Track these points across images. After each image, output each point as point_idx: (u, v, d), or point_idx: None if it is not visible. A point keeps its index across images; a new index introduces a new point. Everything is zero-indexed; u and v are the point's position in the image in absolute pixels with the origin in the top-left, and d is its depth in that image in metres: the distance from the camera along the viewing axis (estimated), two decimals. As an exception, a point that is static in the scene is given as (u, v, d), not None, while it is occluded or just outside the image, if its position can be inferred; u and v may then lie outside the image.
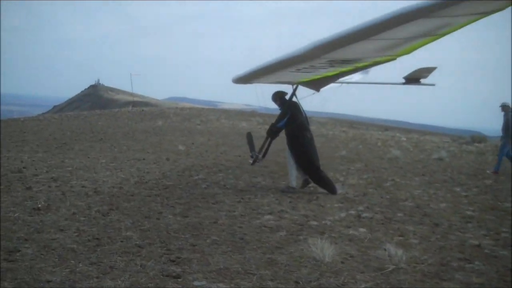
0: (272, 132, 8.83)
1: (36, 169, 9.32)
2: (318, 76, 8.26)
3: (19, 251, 4.54)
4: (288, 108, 8.79)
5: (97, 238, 5.09)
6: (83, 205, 6.55)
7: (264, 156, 9.03)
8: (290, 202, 7.67)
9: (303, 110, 8.98)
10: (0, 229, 5.17)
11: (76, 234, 5.22)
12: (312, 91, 8.97)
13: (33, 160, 10.53)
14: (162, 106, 52.93)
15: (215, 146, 15.89)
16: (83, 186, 7.90)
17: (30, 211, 6.05)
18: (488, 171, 12.85)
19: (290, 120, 8.66)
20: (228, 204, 7.19)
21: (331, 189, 8.58)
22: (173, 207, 6.76)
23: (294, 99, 9.04)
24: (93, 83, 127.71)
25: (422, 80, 9.07)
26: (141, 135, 17.62)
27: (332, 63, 6.67)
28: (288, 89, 9.16)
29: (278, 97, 8.98)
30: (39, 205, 6.25)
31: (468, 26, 5.31)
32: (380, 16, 4.75)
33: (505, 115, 12.90)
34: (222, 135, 19.50)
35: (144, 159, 11.74)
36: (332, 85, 9.79)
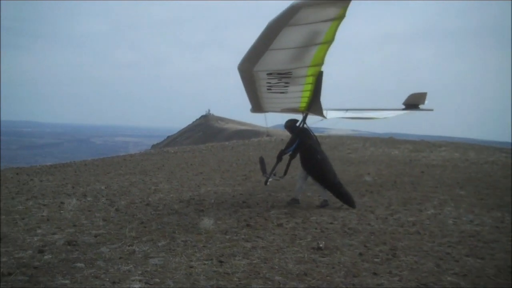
0: (281, 157, 9.93)
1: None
2: (304, 99, 9.11)
3: None
4: (297, 135, 9.84)
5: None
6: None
7: (285, 174, 10.06)
8: None
9: (314, 135, 10.06)
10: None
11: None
12: (319, 117, 10.01)
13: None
14: (260, 133, 53.42)
15: (405, 176, 15.33)
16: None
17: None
18: None
19: (300, 145, 9.70)
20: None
21: (351, 203, 9.58)
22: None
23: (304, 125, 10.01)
24: (203, 113, 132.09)
25: (421, 106, 9.82)
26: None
27: (276, 77, 7.73)
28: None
29: (288, 124, 10.13)
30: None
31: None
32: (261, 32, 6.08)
33: None
34: (390, 164, 18.83)
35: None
36: (339, 113, 11.65)
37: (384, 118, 12.40)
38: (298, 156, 10.01)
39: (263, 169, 10.19)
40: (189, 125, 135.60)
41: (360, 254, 6.41)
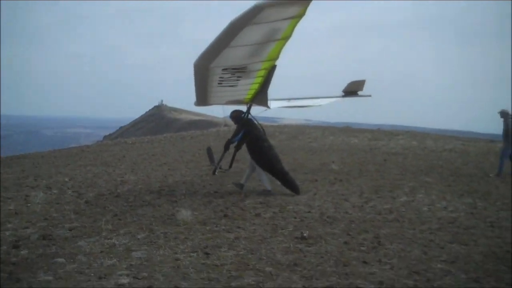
0: (228, 146, 10.12)
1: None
2: (251, 91, 9.51)
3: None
4: (242, 125, 10.08)
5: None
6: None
7: (230, 166, 10.41)
8: None
9: (259, 124, 10.29)
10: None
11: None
12: (264, 108, 10.29)
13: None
14: (218, 122, 53.20)
15: (368, 164, 15.55)
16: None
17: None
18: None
19: (245, 134, 9.90)
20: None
21: (296, 190, 9.82)
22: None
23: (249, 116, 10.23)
24: (156, 104, 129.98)
25: (360, 92, 10.24)
26: (286, 155, 17.41)
27: (230, 72, 7.99)
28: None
29: (234, 115, 10.37)
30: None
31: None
32: (222, 29, 6.35)
33: (504, 122, 13.42)
34: (352, 152, 19.07)
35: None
36: (282, 103, 12.13)
37: (319, 105, 13.04)
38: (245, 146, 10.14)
39: (211, 159, 10.59)
40: (141, 115, 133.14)
41: (345, 242, 6.42)
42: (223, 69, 7.82)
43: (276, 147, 20.80)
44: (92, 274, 5.09)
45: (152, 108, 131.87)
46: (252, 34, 6.67)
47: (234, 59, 7.49)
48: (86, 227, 7.08)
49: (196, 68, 7.56)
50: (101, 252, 5.87)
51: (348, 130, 31.14)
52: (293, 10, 6.28)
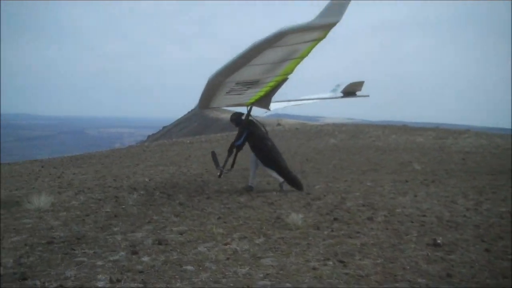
0: (232, 150, 10.15)
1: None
2: (256, 97, 9.63)
3: None
4: (244, 127, 10.07)
5: None
6: None
7: (232, 167, 10.41)
8: None
9: (261, 124, 10.38)
10: None
11: None
12: (264, 110, 10.40)
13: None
14: (267, 122, 52.91)
15: (449, 163, 14.76)
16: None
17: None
18: None
19: (248, 136, 9.97)
20: None
21: (300, 187, 9.87)
22: None
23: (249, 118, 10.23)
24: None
25: (358, 93, 10.28)
26: (358, 155, 16.85)
27: (242, 84, 8.15)
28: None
29: (234, 117, 10.39)
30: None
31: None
32: (244, 50, 6.41)
33: None
34: (423, 152, 18.25)
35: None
36: (281, 104, 12.06)
37: (314, 102, 12.91)
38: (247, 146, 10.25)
39: (216, 163, 10.45)
40: (184, 115, 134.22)
41: (487, 250, 5.81)
42: (236, 83, 7.98)
43: (339, 146, 20.56)
44: (232, 284, 4.67)
45: (194, 108, 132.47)
46: (272, 55, 6.89)
47: (249, 75, 7.72)
48: (196, 231, 6.70)
49: (210, 82, 7.60)
50: (227, 259, 5.45)
51: (407, 128, 30.18)
52: (315, 35, 6.53)
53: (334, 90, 13.47)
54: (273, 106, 10.86)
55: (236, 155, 10.43)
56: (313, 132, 27.95)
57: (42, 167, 15.49)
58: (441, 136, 24.70)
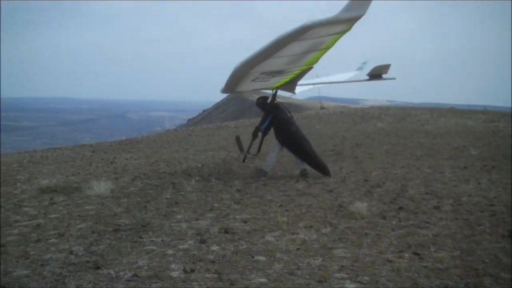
0: (256, 134, 10.17)
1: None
2: (281, 82, 9.81)
3: None
4: (269, 111, 9.99)
5: None
6: None
7: (258, 152, 10.42)
8: None
9: (286, 108, 10.19)
10: None
11: None
12: (289, 93, 10.61)
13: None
14: (309, 106, 52.31)
15: (501, 147, 14.21)
16: None
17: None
18: None
19: (273, 120, 9.89)
20: None
21: (327, 172, 9.75)
22: None
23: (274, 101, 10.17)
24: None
25: (384, 76, 10.08)
26: (409, 139, 16.41)
27: (267, 73, 8.42)
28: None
29: (260, 102, 10.25)
30: None
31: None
32: (268, 43, 6.67)
33: None
34: (477, 136, 17.58)
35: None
36: (309, 86, 12.20)
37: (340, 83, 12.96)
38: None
39: (240, 147, 10.42)
40: (223, 99, 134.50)
41: None
42: (261, 73, 8.20)
43: (388, 130, 20.10)
44: (307, 276, 4.55)
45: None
46: (296, 48, 7.03)
47: (273, 66, 7.93)
48: (259, 219, 6.62)
49: (235, 72, 7.85)
50: (298, 249, 5.35)
51: (455, 111, 29.33)
52: (339, 28, 6.65)
53: (360, 68, 14.19)
54: (298, 89, 10.92)
55: (262, 139, 10.41)
56: (359, 116, 27.48)
57: (93, 152, 15.70)
58: (492, 119, 23.85)
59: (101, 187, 8.28)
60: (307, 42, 6.88)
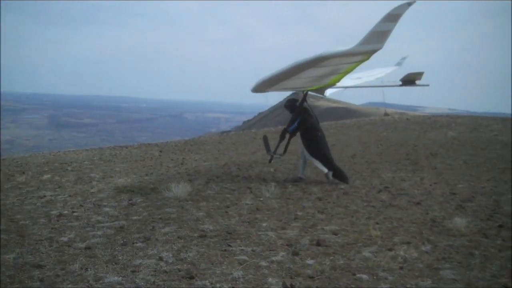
0: (284, 135, 10.14)
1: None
2: (311, 88, 9.92)
3: None
4: (298, 114, 9.96)
5: None
6: None
7: (284, 152, 10.33)
8: None
9: (313, 113, 10.16)
10: None
11: None
12: (320, 95, 10.53)
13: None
14: (367, 111, 51.07)
15: None
16: None
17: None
18: None
19: (301, 123, 9.81)
20: None
21: (345, 179, 9.67)
22: None
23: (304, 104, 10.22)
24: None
25: (418, 82, 9.88)
26: (487, 150, 15.56)
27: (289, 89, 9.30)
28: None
29: (289, 104, 10.28)
30: None
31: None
32: (285, 67, 7.09)
33: None
34: None
35: None
36: (338, 89, 11.64)
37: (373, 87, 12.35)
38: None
39: (267, 148, 10.47)
40: (279, 102, 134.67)
41: None
42: (283, 88, 8.67)
43: (461, 140, 19.15)
44: (419, 301, 4.13)
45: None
46: (315, 72, 7.22)
47: (292, 85, 8.23)
48: (349, 231, 6.26)
49: (253, 91, 8.30)
50: (401, 268, 4.94)
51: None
52: (357, 58, 6.77)
53: (399, 63, 14.39)
54: (329, 91, 10.84)
55: (289, 141, 10.34)
56: (427, 123, 26.46)
57: (161, 151, 15.79)
58: None
59: (179, 189, 8.15)
60: (324, 68, 7.16)
